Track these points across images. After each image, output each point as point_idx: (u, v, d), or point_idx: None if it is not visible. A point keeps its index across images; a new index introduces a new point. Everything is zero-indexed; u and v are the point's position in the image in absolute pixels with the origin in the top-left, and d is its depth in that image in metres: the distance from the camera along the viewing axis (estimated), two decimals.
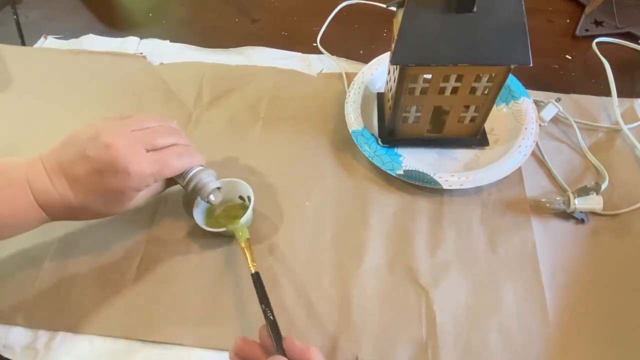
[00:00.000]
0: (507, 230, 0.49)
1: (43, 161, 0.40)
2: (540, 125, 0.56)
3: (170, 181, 0.46)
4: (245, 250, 0.43)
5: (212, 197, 0.45)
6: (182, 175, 0.45)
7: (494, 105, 0.50)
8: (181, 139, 0.44)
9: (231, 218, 0.48)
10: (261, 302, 0.39)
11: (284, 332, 0.36)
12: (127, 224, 0.50)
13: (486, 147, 0.54)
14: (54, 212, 0.40)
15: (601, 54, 0.64)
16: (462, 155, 0.54)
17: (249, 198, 0.48)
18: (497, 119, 0.56)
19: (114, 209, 0.42)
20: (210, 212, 0.49)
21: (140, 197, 0.43)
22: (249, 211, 0.46)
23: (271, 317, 0.38)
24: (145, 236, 0.49)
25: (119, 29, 0.72)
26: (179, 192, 0.50)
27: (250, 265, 0.42)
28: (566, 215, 0.49)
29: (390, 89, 0.51)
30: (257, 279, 0.41)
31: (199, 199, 0.47)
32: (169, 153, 0.42)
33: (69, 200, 0.39)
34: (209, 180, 0.45)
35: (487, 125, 0.54)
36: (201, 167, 0.45)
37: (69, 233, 0.49)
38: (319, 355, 0.35)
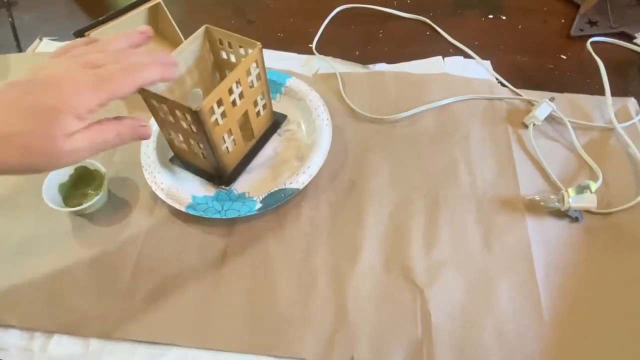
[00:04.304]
0: (501, 229, 0.49)
1: None
2: (534, 125, 0.56)
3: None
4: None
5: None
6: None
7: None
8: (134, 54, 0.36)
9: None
10: None
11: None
12: (123, 224, 0.50)
13: (284, 134, 0.57)
14: None
15: (595, 53, 0.64)
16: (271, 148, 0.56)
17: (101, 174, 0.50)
18: (286, 110, 0.58)
19: (47, 141, 0.32)
20: (62, 189, 0.51)
21: (86, 147, 0.34)
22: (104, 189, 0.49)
23: None
24: (142, 237, 0.49)
25: None
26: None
27: None
28: (561, 213, 0.50)
29: (197, 143, 0.48)
30: None
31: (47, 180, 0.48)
32: (113, 67, 0.35)
33: None
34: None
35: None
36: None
37: (64, 233, 0.49)
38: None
